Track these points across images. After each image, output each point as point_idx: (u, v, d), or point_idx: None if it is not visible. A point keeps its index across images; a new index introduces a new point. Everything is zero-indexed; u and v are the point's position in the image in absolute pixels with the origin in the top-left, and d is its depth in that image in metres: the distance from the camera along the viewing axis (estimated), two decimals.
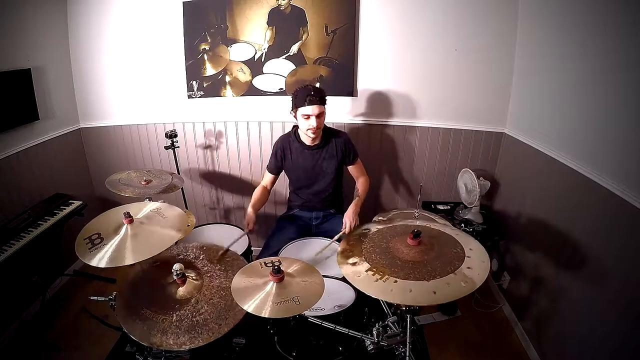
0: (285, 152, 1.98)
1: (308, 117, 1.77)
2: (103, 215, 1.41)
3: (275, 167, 2.02)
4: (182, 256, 1.46)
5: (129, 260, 1.21)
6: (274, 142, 2.06)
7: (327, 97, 1.83)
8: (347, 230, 1.71)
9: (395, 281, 1.09)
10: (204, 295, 1.26)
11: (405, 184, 2.51)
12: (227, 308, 1.20)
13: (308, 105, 1.75)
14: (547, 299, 1.81)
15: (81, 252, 1.23)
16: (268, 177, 2.05)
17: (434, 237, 1.29)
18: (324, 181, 1.98)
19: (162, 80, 2.47)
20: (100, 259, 1.20)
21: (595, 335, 1.47)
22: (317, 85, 2.01)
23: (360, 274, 1.15)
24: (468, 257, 1.17)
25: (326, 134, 1.93)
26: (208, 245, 1.54)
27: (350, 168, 2.02)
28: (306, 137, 1.89)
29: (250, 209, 1.87)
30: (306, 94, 1.76)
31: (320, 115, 1.78)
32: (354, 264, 1.23)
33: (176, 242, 1.49)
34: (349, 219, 1.76)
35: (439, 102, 2.26)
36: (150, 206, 1.46)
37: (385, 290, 1.07)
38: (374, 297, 1.07)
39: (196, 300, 1.24)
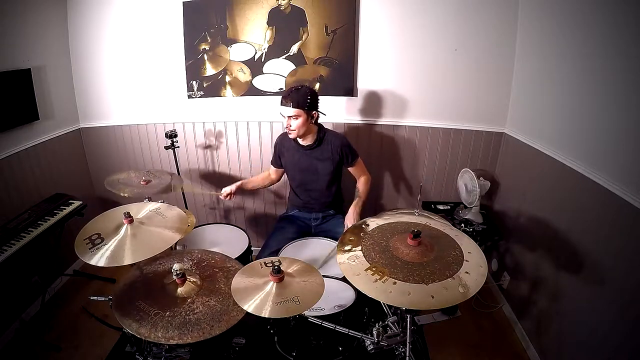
0: (282, 149, 2.01)
1: (284, 116, 1.80)
2: (103, 216, 1.41)
3: (276, 162, 2.08)
4: (186, 259, 1.46)
5: (128, 260, 1.21)
6: (274, 142, 2.09)
7: (315, 102, 1.81)
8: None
9: (395, 282, 1.09)
10: (201, 297, 1.25)
11: (406, 184, 2.51)
12: (222, 312, 1.20)
13: (281, 105, 1.79)
14: (547, 299, 1.81)
15: (81, 252, 1.23)
16: (273, 169, 2.12)
17: (433, 237, 1.29)
18: (319, 182, 1.98)
19: (162, 80, 2.47)
20: (100, 258, 1.20)
21: (595, 335, 1.47)
22: (311, 87, 2.01)
23: (358, 272, 1.15)
24: (467, 261, 1.17)
25: (320, 135, 1.92)
26: (212, 252, 1.53)
27: (351, 169, 2.02)
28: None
29: (238, 183, 2.00)
30: (284, 93, 1.79)
31: (294, 118, 1.77)
32: (348, 250, 1.26)
33: (176, 245, 1.49)
34: (350, 222, 1.75)
35: (439, 102, 2.26)
36: (150, 206, 1.46)
37: (384, 291, 1.07)
38: (373, 298, 1.07)
39: (192, 300, 1.24)
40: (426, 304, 1.04)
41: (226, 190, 1.97)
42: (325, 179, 1.96)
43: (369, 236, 1.33)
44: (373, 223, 1.42)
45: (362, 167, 2.04)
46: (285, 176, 2.13)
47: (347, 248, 1.28)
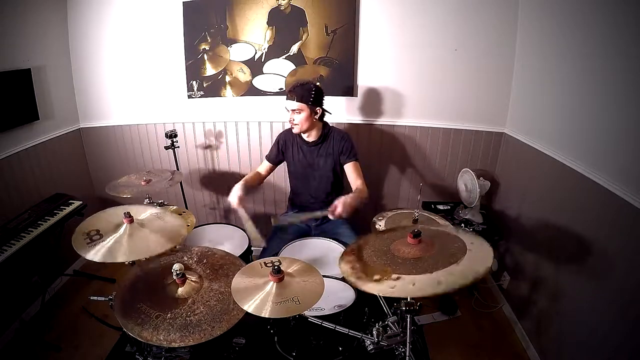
0: (287, 144, 2.00)
1: (288, 110, 1.82)
2: (103, 212, 1.43)
3: (275, 157, 2.02)
4: (186, 258, 1.46)
5: (121, 258, 1.24)
6: (275, 141, 2.07)
7: (319, 98, 1.82)
8: (332, 214, 1.56)
9: (398, 277, 1.08)
10: (201, 297, 1.26)
11: (406, 184, 2.51)
12: (222, 312, 1.20)
13: (286, 99, 1.81)
14: (547, 299, 1.81)
15: (78, 245, 1.26)
16: (265, 165, 2.03)
17: (433, 236, 1.29)
18: (320, 179, 1.97)
19: (162, 80, 2.47)
20: (95, 254, 1.23)
21: (595, 336, 1.47)
22: (317, 84, 2.01)
23: (360, 275, 1.14)
24: (470, 250, 1.15)
25: (325, 132, 1.93)
26: (211, 250, 1.53)
27: (346, 167, 1.90)
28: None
29: (240, 186, 1.76)
30: (289, 87, 1.82)
31: (298, 112, 1.79)
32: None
33: (176, 246, 1.49)
34: (341, 205, 1.56)
35: (439, 102, 2.26)
36: (151, 210, 1.47)
37: (388, 287, 1.06)
38: (377, 294, 1.05)
39: (193, 301, 1.24)
40: (435, 289, 1.01)
41: (233, 199, 1.74)
42: (326, 176, 1.96)
43: (369, 247, 1.31)
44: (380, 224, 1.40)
45: (359, 172, 1.89)
46: (276, 173, 2.13)
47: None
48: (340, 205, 1.57)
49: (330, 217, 1.59)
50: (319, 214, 1.65)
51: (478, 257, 1.12)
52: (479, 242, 1.20)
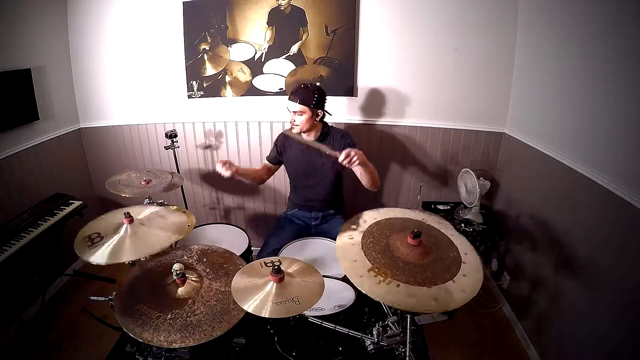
0: (285, 144, 2.01)
1: (290, 110, 1.84)
2: (103, 217, 1.43)
3: (275, 158, 2.04)
4: (185, 257, 1.46)
5: (127, 257, 1.25)
6: (274, 142, 2.07)
7: (321, 101, 1.83)
8: (342, 157, 1.55)
9: (398, 285, 1.09)
10: (201, 297, 1.26)
11: (405, 184, 2.51)
12: (222, 312, 1.20)
13: (288, 100, 1.83)
14: (547, 299, 1.81)
15: (80, 250, 1.26)
16: (266, 165, 2.07)
17: (432, 236, 1.29)
18: (321, 178, 1.97)
19: (162, 80, 2.47)
20: (99, 257, 1.24)
21: (595, 335, 1.47)
22: (319, 85, 2.02)
23: (361, 273, 1.15)
24: (464, 263, 1.19)
25: (324, 131, 1.93)
26: (211, 247, 1.53)
27: None
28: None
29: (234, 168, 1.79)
30: (293, 89, 1.84)
31: (299, 114, 1.81)
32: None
33: (176, 243, 1.49)
34: (357, 154, 1.56)
35: (439, 102, 2.26)
36: (150, 209, 1.47)
37: (389, 293, 1.07)
38: (377, 300, 1.07)
39: (193, 301, 1.24)
40: (430, 307, 1.05)
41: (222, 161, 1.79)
42: (327, 176, 1.96)
43: (368, 233, 1.32)
44: (371, 217, 1.41)
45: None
46: (276, 174, 2.13)
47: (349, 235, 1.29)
48: (353, 152, 1.55)
49: (341, 158, 1.54)
50: (328, 151, 1.62)
51: (470, 273, 1.16)
52: (472, 253, 1.23)
